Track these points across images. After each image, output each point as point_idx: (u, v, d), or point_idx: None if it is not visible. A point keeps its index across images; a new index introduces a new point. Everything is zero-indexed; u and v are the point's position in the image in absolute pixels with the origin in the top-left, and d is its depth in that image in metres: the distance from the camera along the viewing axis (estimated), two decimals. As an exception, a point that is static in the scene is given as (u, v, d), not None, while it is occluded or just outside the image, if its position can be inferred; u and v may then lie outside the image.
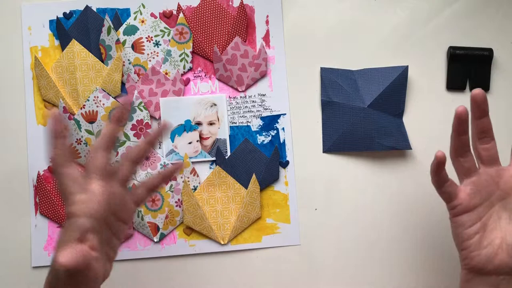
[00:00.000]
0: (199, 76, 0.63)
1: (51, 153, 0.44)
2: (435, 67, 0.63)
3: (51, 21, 0.62)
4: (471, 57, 0.61)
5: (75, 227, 0.40)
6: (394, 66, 0.61)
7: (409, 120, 0.62)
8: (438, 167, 0.46)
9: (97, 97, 0.60)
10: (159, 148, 0.61)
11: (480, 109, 0.45)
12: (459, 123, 0.45)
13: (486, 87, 0.62)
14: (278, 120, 0.62)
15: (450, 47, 0.62)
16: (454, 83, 0.62)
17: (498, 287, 0.44)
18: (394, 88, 0.61)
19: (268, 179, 0.61)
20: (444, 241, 0.60)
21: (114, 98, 0.61)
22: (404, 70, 0.61)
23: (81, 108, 0.60)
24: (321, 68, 0.62)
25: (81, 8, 0.62)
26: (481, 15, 0.63)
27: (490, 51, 0.61)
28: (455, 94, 0.62)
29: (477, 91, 0.45)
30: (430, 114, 0.62)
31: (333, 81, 0.61)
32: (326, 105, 0.62)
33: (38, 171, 0.61)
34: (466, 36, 0.62)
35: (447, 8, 0.63)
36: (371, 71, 0.62)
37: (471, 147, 0.47)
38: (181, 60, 0.62)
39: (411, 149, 0.61)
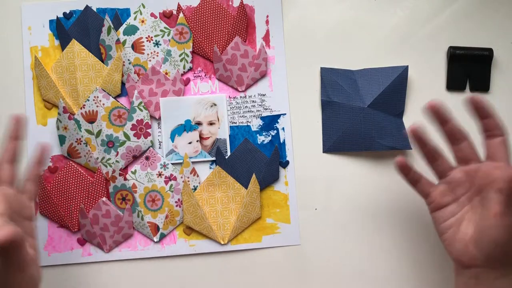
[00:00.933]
0: (199, 76, 0.63)
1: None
2: (435, 67, 0.63)
3: (51, 21, 0.62)
4: (471, 57, 0.61)
5: None
6: (394, 66, 0.61)
7: (409, 120, 0.62)
8: (401, 171, 0.51)
9: (97, 97, 0.60)
10: (159, 148, 0.61)
11: (440, 117, 0.49)
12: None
13: (486, 87, 0.62)
14: (278, 120, 0.62)
15: (450, 47, 0.62)
16: (454, 83, 0.62)
17: (478, 278, 0.45)
18: (394, 88, 0.61)
19: (268, 179, 0.61)
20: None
21: (114, 98, 0.61)
22: (404, 70, 0.61)
23: (81, 108, 0.60)
24: (321, 68, 0.62)
25: (81, 8, 0.62)
26: (481, 15, 0.63)
27: (490, 51, 0.61)
28: (455, 94, 0.62)
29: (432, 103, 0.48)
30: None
31: (333, 81, 0.61)
32: (326, 105, 0.62)
33: (38, 171, 0.61)
34: (466, 36, 0.62)
35: (447, 8, 0.63)
36: (371, 71, 0.62)
37: (440, 152, 0.50)
38: (181, 60, 0.62)
39: (411, 149, 0.61)
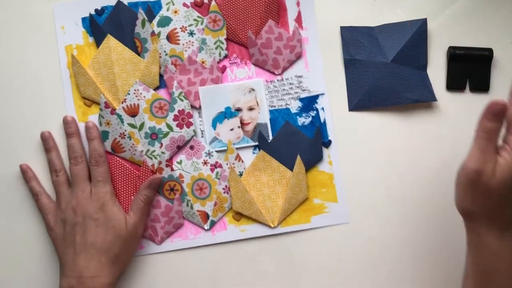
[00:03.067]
0: (234, 62, 0.63)
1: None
2: (435, 67, 0.63)
3: (83, 19, 0.62)
4: (471, 57, 0.61)
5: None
6: (413, 20, 0.62)
7: (409, 120, 0.62)
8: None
9: (138, 90, 0.60)
10: (202, 136, 0.62)
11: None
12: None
13: (486, 87, 0.62)
14: (317, 100, 0.62)
15: (450, 47, 0.62)
16: (454, 83, 0.62)
17: (480, 235, 0.47)
18: (415, 41, 0.61)
19: (312, 160, 0.62)
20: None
21: (154, 90, 0.61)
22: (423, 23, 0.61)
23: (122, 103, 0.60)
24: (341, 27, 0.62)
25: (112, 3, 0.62)
26: (481, 15, 0.63)
27: (490, 51, 0.61)
28: (455, 94, 0.62)
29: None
30: (430, 114, 0.62)
31: (354, 39, 0.62)
32: (349, 63, 0.62)
33: (84, 169, 0.61)
34: (466, 36, 0.62)
35: (447, 8, 0.63)
36: (390, 26, 0.62)
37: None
38: (216, 48, 0.62)
39: (436, 100, 0.61)
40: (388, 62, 0.61)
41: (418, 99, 0.61)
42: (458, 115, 0.62)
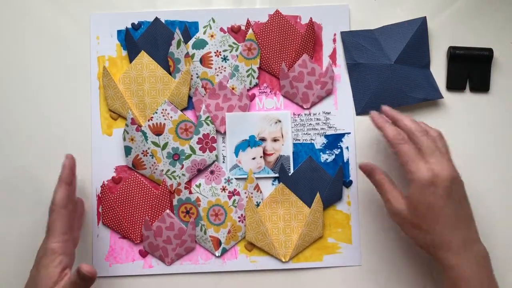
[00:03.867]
0: (264, 92, 0.63)
1: (56, 195, 0.52)
2: (435, 67, 0.62)
3: (119, 31, 0.62)
4: (471, 57, 0.61)
5: (57, 263, 0.50)
6: (412, 19, 0.62)
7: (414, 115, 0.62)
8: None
9: (165, 109, 0.60)
10: (223, 162, 0.61)
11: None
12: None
13: (486, 87, 0.62)
14: (342, 139, 0.62)
15: (450, 47, 0.62)
16: (454, 83, 0.62)
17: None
18: (416, 40, 0.61)
19: (331, 198, 0.61)
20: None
21: (181, 111, 0.61)
22: (423, 22, 0.61)
23: (148, 120, 0.60)
24: (341, 32, 0.62)
25: (150, 19, 0.62)
26: (481, 15, 0.63)
27: (490, 51, 0.61)
28: (455, 94, 0.62)
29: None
30: (430, 114, 0.62)
31: (355, 43, 0.62)
32: (352, 67, 0.62)
33: (103, 181, 0.61)
34: (466, 36, 0.62)
35: (447, 8, 0.63)
36: (390, 27, 0.62)
37: None
38: (248, 76, 0.62)
39: (442, 97, 0.61)
40: (391, 63, 0.61)
41: (425, 97, 0.61)
42: (458, 115, 0.62)
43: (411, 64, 0.61)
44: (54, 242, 0.50)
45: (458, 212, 0.50)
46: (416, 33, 0.61)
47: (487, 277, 0.49)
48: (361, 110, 0.62)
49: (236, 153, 0.61)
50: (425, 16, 0.62)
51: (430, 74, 0.62)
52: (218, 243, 0.61)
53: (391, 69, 0.61)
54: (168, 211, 0.60)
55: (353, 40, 0.62)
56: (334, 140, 0.62)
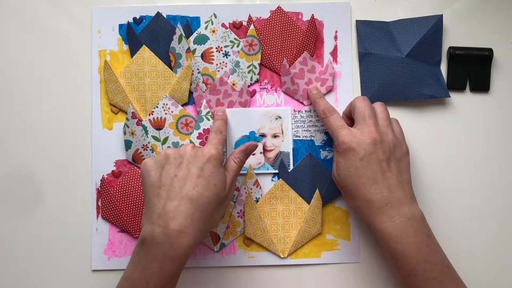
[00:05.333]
0: (265, 88, 0.63)
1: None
2: None
3: (120, 25, 0.63)
4: (471, 57, 0.61)
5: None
6: (428, 16, 0.62)
7: (409, 120, 0.62)
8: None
9: (166, 104, 0.60)
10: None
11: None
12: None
13: (486, 87, 0.62)
14: (342, 136, 0.62)
15: (450, 47, 0.62)
16: (454, 83, 0.62)
17: None
18: (430, 37, 0.61)
19: (331, 195, 0.61)
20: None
21: (182, 106, 0.61)
22: (439, 19, 0.61)
23: (149, 115, 0.60)
24: (357, 21, 0.62)
25: (151, 14, 0.62)
26: (481, 15, 0.63)
27: (490, 51, 0.61)
28: (455, 94, 0.62)
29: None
30: (430, 114, 0.62)
31: (369, 33, 0.62)
32: (364, 57, 0.62)
33: (103, 175, 0.61)
34: (466, 36, 0.63)
35: (447, 8, 0.63)
36: (406, 21, 0.62)
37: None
38: (248, 72, 0.62)
39: (449, 97, 0.61)
40: (402, 57, 0.61)
41: (432, 95, 0.61)
42: (458, 115, 0.62)
43: (422, 60, 0.61)
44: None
45: (380, 174, 0.52)
46: (431, 30, 0.61)
47: (414, 238, 0.50)
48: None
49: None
50: (442, 14, 0.62)
51: (440, 72, 0.62)
52: (217, 238, 0.61)
53: (402, 63, 0.61)
54: (167, 205, 0.60)
55: (367, 30, 0.62)
56: (334, 137, 0.62)
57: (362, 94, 0.62)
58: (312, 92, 0.59)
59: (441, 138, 0.62)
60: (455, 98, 0.62)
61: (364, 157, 0.52)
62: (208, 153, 0.51)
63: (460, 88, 0.62)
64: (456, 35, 0.63)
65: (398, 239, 0.50)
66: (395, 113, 0.62)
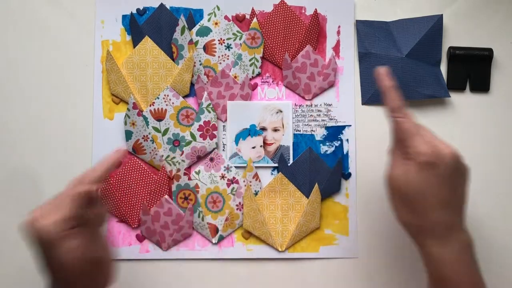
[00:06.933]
0: (266, 81, 0.63)
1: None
2: None
3: (124, 16, 0.63)
4: (471, 57, 0.61)
5: None
6: (428, 16, 0.62)
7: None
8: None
9: (167, 95, 0.60)
10: (223, 150, 0.62)
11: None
12: None
13: (486, 87, 0.62)
14: (343, 131, 0.62)
15: (450, 47, 0.62)
16: (454, 83, 0.62)
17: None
18: (430, 37, 0.61)
19: (330, 190, 0.61)
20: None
21: (183, 97, 0.61)
22: (439, 19, 0.61)
23: (150, 105, 0.61)
24: (357, 21, 0.63)
25: (155, 5, 0.62)
26: (481, 15, 0.63)
27: (490, 51, 0.61)
28: (455, 94, 0.62)
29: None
30: (430, 114, 0.62)
31: (369, 33, 0.62)
32: (364, 57, 0.62)
33: (103, 165, 0.61)
34: (466, 36, 0.63)
35: (447, 8, 0.63)
36: (406, 21, 0.62)
37: None
38: (250, 65, 0.62)
39: (449, 96, 0.61)
40: (402, 56, 0.61)
41: (432, 94, 0.61)
42: (458, 115, 0.62)
43: (422, 60, 0.61)
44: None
45: (452, 195, 0.46)
46: (431, 30, 0.61)
47: (468, 266, 0.46)
48: (367, 99, 0.62)
49: (236, 141, 0.61)
50: (442, 14, 0.62)
51: (440, 72, 0.62)
52: (215, 230, 0.61)
53: (402, 62, 0.61)
54: (166, 196, 0.60)
55: (367, 30, 0.62)
56: (334, 132, 0.62)
57: (362, 94, 0.62)
58: (384, 75, 0.49)
59: (440, 138, 0.62)
60: (455, 98, 0.62)
61: (442, 175, 0.44)
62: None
63: (460, 88, 0.62)
64: (456, 35, 0.63)
65: (453, 266, 0.45)
66: (396, 109, 0.62)
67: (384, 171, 0.48)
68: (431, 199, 0.45)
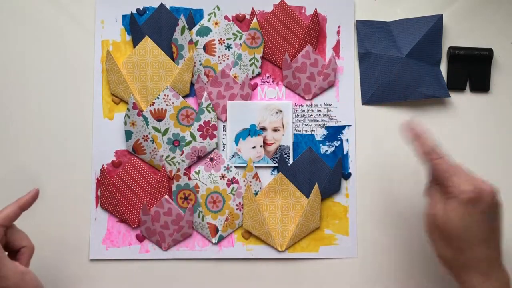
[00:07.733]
0: (266, 81, 0.63)
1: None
2: None
3: (124, 16, 0.63)
4: (471, 57, 0.61)
5: None
6: (428, 16, 0.62)
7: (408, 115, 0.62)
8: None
9: (167, 95, 0.60)
10: (223, 150, 0.62)
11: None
12: None
13: (486, 87, 0.62)
14: (343, 131, 0.62)
15: (450, 47, 0.62)
16: (454, 83, 0.62)
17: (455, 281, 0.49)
18: (430, 37, 0.61)
19: (330, 190, 0.61)
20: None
21: (183, 97, 0.61)
22: (439, 19, 0.61)
23: (150, 105, 0.61)
24: (357, 21, 0.63)
25: (155, 5, 0.62)
26: (481, 15, 0.63)
27: (490, 51, 0.61)
28: (455, 94, 0.62)
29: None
30: (430, 114, 0.62)
31: (369, 33, 0.62)
32: (364, 57, 0.62)
33: (103, 165, 0.61)
34: (466, 36, 0.63)
35: (447, 8, 0.63)
36: (406, 21, 0.62)
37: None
38: (250, 65, 0.62)
39: (449, 96, 0.61)
40: (402, 56, 0.61)
41: (432, 94, 0.61)
42: (458, 115, 0.62)
43: (422, 60, 0.61)
44: None
45: (491, 231, 0.47)
46: (431, 30, 0.61)
47: None
48: (367, 99, 0.62)
49: (236, 141, 0.61)
50: (442, 14, 0.62)
51: (440, 72, 0.62)
52: (215, 230, 0.61)
53: (402, 62, 0.61)
54: (166, 196, 0.60)
55: (367, 30, 0.62)
56: (334, 132, 0.62)
57: (362, 94, 0.62)
58: (412, 127, 0.51)
59: (441, 138, 0.62)
60: (455, 98, 0.62)
61: (484, 211, 0.46)
62: None
63: (460, 88, 0.62)
64: (456, 35, 0.63)
65: None
66: (395, 113, 0.62)
67: (422, 210, 0.50)
68: (475, 235, 0.46)
